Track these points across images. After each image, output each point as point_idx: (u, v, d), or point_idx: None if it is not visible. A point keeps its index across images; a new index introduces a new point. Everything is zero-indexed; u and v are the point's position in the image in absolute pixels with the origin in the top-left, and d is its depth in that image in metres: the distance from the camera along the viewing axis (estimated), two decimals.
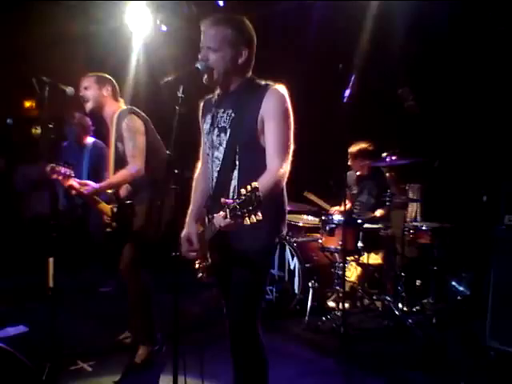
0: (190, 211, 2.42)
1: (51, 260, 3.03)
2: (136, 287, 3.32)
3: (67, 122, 4.88)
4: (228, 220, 1.79)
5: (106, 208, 3.28)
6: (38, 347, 3.03)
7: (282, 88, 2.14)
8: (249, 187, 1.73)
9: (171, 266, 2.05)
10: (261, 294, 2.34)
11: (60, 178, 3.13)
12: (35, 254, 4.07)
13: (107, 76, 3.38)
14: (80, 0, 5.63)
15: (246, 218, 1.72)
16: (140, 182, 3.26)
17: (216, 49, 2.11)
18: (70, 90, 3.19)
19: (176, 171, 1.98)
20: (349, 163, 4.74)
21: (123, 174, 3.19)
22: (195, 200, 2.45)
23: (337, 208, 4.79)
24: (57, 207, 3.46)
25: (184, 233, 2.29)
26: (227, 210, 1.79)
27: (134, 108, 3.36)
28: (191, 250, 2.21)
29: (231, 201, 1.78)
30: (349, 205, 4.75)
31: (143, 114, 3.35)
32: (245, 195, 1.73)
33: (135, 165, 3.17)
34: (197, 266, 2.30)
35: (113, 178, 3.26)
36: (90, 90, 3.28)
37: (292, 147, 2.13)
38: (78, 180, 3.17)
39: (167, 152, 1.99)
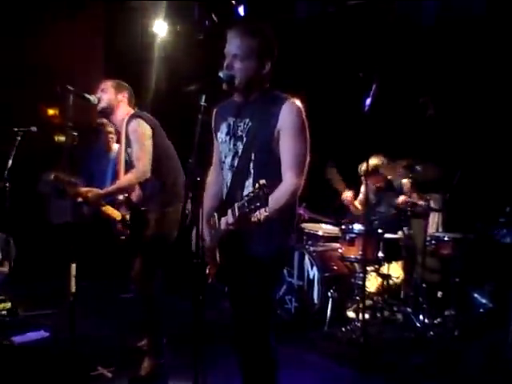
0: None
1: (73, 266, 3.07)
2: (146, 298, 3.27)
3: (96, 129, 4.94)
4: (235, 217, 1.88)
5: (114, 213, 3.25)
6: (59, 352, 3.06)
7: (298, 102, 2.17)
8: (257, 185, 1.79)
9: (192, 273, 2.05)
10: (269, 304, 2.31)
11: (65, 186, 3.14)
12: (57, 259, 4.12)
13: (126, 84, 3.40)
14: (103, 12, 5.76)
15: (253, 215, 1.79)
16: (151, 189, 3.23)
17: (242, 58, 2.14)
18: (93, 98, 3.25)
19: (198, 179, 1.99)
20: (363, 179, 4.63)
21: (127, 177, 3.18)
22: (205, 204, 2.46)
23: (350, 194, 4.68)
24: (80, 213, 3.47)
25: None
26: (235, 207, 1.88)
27: (143, 112, 3.34)
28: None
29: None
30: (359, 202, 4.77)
31: (152, 118, 3.32)
32: (253, 192, 1.79)
33: (139, 167, 3.14)
34: (207, 270, 2.30)
35: (118, 182, 3.24)
36: (106, 92, 3.28)
37: (308, 159, 2.16)
38: (84, 188, 3.19)
39: (189, 160, 1.99)
